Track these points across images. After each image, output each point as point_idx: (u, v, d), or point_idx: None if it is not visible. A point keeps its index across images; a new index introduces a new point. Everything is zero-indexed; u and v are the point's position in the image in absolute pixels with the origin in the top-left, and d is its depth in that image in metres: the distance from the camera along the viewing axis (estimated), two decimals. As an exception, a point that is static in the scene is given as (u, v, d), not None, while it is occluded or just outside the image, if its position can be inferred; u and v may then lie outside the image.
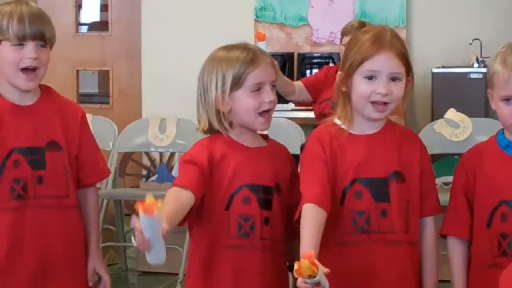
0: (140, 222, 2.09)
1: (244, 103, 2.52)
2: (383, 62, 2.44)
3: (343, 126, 2.52)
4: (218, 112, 2.53)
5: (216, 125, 2.54)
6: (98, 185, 2.96)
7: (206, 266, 2.53)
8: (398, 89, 2.46)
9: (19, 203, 2.61)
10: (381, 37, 2.47)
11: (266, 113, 2.54)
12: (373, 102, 2.45)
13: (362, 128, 2.52)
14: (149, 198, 2.07)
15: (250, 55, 2.54)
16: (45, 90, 2.75)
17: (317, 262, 2.11)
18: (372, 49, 2.45)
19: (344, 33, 4.55)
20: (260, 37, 3.94)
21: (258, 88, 2.53)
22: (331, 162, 2.48)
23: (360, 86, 2.46)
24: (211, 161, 2.49)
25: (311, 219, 2.35)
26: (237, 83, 2.51)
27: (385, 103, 2.45)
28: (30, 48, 2.60)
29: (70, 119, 2.74)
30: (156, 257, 2.23)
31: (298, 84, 4.63)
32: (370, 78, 2.45)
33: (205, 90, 2.55)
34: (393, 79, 2.46)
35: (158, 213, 2.11)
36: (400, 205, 2.45)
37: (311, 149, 2.53)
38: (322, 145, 2.50)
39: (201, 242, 2.55)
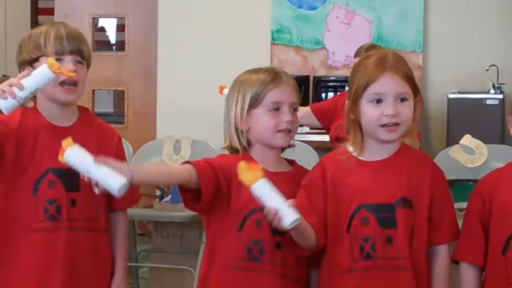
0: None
1: (262, 121, 2.55)
2: (388, 84, 2.44)
3: (354, 153, 2.52)
4: (236, 130, 2.57)
5: (235, 143, 2.57)
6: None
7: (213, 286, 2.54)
8: (406, 109, 2.46)
9: (52, 224, 2.63)
10: (384, 60, 2.47)
11: (285, 129, 2.55)
12: (383, 125, 2.45)
13: (374, 153, 2.51)
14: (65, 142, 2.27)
15: (271, 76, 2.56)
16: (83, 112, 2.77)
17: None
18: (376, 72, 2.45)
19: (355, 55, 4.61)
20: None
21: (276, 108, 2.55)
22: (332, 191, 2.48)
23: (368, 111, 2.46)
24: (227, 176, 2.50)
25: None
26: (255, 101, 2.54)
27: (395, 124, 2.44)
28: (68, 61, 2.63)
29: (106, 142, 2.76)
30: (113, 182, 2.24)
31: (305, 109, 4.65)
32: (377, 101, 2.45)
33: (228, 109, 2.60)
34: (401, 99, 2.45)
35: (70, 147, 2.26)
36: (406, 232, 2.44)
37: (312, 177, 2.55)
38: (324, 177, 2.51)
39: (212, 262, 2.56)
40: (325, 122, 4.63)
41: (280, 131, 2.55)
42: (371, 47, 4.50)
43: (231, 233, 2.51)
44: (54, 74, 2.41)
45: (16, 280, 2.63)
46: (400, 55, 2.55)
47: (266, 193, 2.28)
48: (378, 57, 2.48)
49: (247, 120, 2.57)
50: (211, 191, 2.47)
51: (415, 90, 2.50)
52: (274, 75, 2.57)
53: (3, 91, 2.34)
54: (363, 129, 2.50)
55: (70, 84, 2.63)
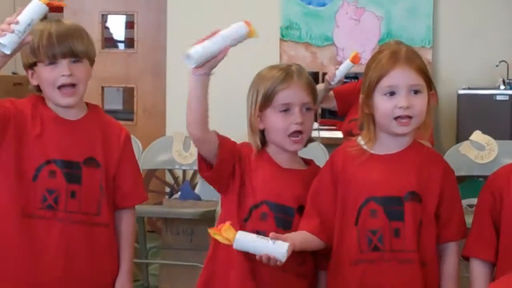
0: None
1: (273, 122, 2.56)
2: (401, 76, 2.45)
3: (365, 146, 2.52)
4: (251, 128, 2.59)
5: (250, 139, 2.58)
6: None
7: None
8: (419, 102, 2.47)
9: (49, 213, 2.62)
10: (397, 53, 2.49)
11: (296, 134, 2.55)
12: (396, 118, 2.45)
13: (386, 147, 2.52)
14: None
15: (283, 75, 2.56)
16: (92, 108, 2.78)
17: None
18: (389, 65, 2.47)
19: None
20: (355, 60, 3.99)
21: (286, 109, 2.55)
22: (342, 182, 2.50)
23: (382, 104, 2.47)
24: (244, 161, 2.57)
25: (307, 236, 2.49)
26: (267, 100, 2.56)
27: (408, 117, 2.45)
28: (63, 65, 2.63)
29: (112, 139, 2.75)
30: None
31: (331, 93, 4.65)
32: (390, 94, 2.46)
33: (247, 105, 2.62)
34: (414, 92, 2.46)
35: None
36: (414, 225, 2.45)
37: (322, 175, 2.57)
38: (332, 170, 2.53)
39: None
40: (342, 106, 4.59)
41: (291, 135, 2.56)
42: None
43: (238, 222, 2.53)
44: (46, 5, 2.41)
45: (8, 262, 2.62)
46: (413, 49, 2.56)
47: (248, 244, 2.38)
48: (391, 51, 2.50)
49: (262, 119, 2.58)
50: (226, 161, 2.53)
51: (429, 84, 2.51)
52: (285, 75, 2.58)
53: (2, 30, 2.34)
54: (377, 122, 2.51)
55: (68, 86, 2.64)
